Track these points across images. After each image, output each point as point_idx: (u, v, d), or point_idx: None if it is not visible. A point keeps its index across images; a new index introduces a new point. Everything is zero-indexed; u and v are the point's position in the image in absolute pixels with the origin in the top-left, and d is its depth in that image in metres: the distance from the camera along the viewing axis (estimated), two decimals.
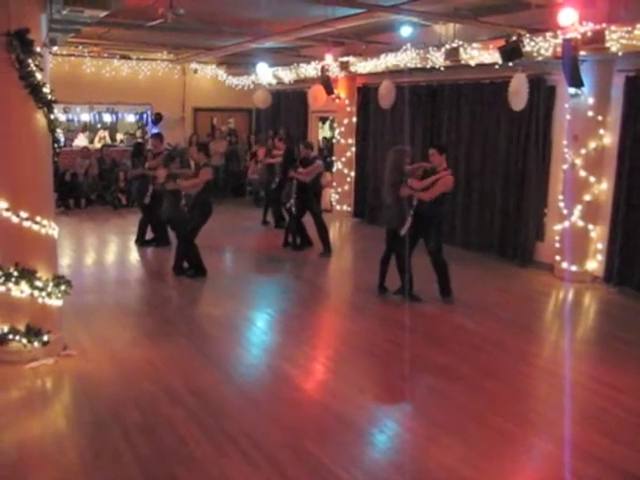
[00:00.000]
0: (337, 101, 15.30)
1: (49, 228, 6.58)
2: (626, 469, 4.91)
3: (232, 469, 4.75)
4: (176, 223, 10.18)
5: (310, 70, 15.08)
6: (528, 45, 9.31)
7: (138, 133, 18.95)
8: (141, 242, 12.33)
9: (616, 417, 5.79)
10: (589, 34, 8.49)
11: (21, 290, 6.42)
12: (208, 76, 19.00)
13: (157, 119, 18.42)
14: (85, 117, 18.34)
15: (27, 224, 6.36)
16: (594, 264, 10.18)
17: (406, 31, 11.46)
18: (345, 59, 13.97)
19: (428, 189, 8.65)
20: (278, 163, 13.29)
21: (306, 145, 12.26)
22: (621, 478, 4.81)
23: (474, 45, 10.39)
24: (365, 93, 15.02)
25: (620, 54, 8.51)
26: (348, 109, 15.41)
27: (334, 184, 16.00)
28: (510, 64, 9.68)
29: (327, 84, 14.29)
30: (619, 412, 5.88)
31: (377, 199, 14.49)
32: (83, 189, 16.74)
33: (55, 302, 6.71)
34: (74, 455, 4.91)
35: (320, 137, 18.04)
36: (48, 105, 6.36)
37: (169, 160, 10.49)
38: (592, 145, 9.86)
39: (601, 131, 9.85)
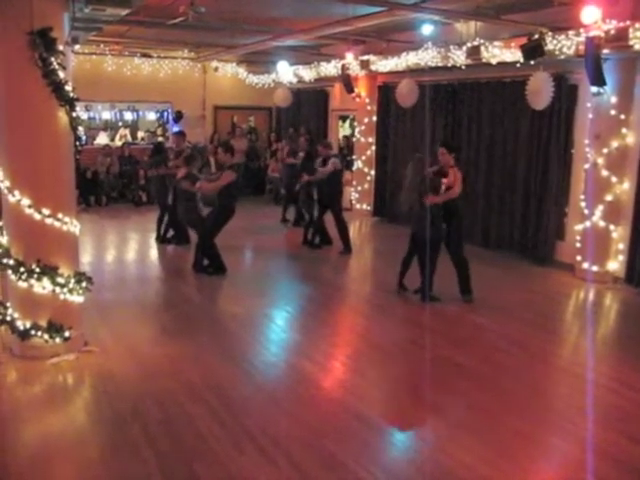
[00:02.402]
0: (357, 100, 15.30)
1: (71, 225, 6.64)
2: None
3: (251, 466, 4.76)
4: (195, 224, 10.24)
5: (331, 69, 15.08)
6: (550, 43, 9.25)
7: (159, 131, 19.06)
8: (161, 240, 12.40)
9: (635, 417, 5.74)
10: (612, 32, 8.40)
11: (43, 286, 6.48)
12: (229, 74, 19.04)
13: (178, 117, 18.49)
14: (106, 115, 18.46)
15: (49, 221, 6.43)
16: (615, 265, 10.09)
17: (427, 29, 11.44)
18: (366, 57, 13.94)
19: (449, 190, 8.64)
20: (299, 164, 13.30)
21: (325, 145, 12.26)
22: None
23: (495, 43, 10.34)
24: (386, 92, 14.98)
25: None
26: (368, 108, 15.40)
27: (354, 183, 15.99)
28: (532, 62, 9.63)
29: (347, 83, 14.29)
30: (639, 412, 5.83)
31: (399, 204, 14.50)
32: (104, 187, 16.87)
33: (76, 298, 6.77)
34: (94, 450, 4.96)
35: (340, 136, 18.02)
36: (70, 103, 6.41)
37: (191, 160, 10.55)
38: (614, 144, 9.77)
39: (623, 130, 9.75)
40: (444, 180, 8.72)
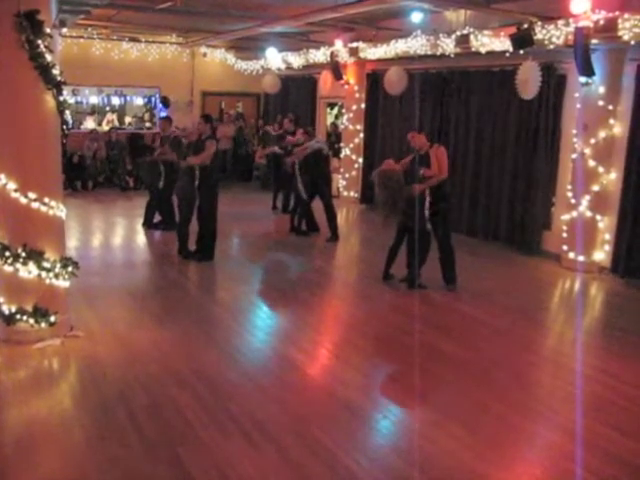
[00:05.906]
0: (346, 87, 15.27)
1: (57, 209, 6.59)
2: (630, 460, 4.90)
3: (237, 452, 4.77)
4: (186, 203, 10.14)
5: (319, 55, 15.03)
6: (540, 33, 9.26)
7: (146, 116, 18.95)
8: (148, 225, 12.36)
9: (620, 408, 5.78)
10: (601, 22, 8.44)
11: (29, 271, 6.44)
12: (217, 60, 18.94)
13: (165, 103, 18.36)
14: (94, 100, 18.30)
15: (35, 205, 6.38)
16: (601, 255, 10.15)
17: (417, 17, 11.41)
18: (355, 45, 13.90)
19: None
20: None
21: (309, 133, 12.36)
22: (624, 469, 4.80)
23: (485, 32, 10.34)
24: (374, 79, 14.96)
25: (632, 43, 8.46)
26: (357, 95, 15.35)
27: (341, 170, 15.97)
28: (521, 52, 9.64)
29: (336, 70, 14.26)
30: (623, 403, 5.88)
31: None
32: (90, 171, 16.80)
33: (62, 283, 6.74)
34: (79, 435, 4.94)
35: (328, 123, 17.99)
36: (57, 86, 6.36)
37: (176, 146, 10.50)
38: (602, 135, 9.80)
39: (611, 121, 9.79)
40: (426, 172, 8.64)
